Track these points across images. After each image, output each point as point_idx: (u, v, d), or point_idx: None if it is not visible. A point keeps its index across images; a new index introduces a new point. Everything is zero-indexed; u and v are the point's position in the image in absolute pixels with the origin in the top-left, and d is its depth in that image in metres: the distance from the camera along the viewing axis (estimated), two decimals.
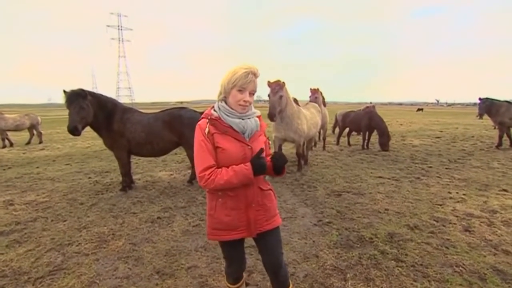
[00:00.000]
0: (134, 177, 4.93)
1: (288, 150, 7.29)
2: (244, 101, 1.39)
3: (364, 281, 2.16)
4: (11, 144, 9.49)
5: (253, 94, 1.43)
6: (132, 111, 4.51)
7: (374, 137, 8.30)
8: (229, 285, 1.73)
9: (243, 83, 1.36)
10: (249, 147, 1.42)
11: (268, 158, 1.49)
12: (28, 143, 9.96)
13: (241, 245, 1.59)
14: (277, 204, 1.62)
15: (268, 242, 1.53)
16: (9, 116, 9.47)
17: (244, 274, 1.81)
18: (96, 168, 6.11)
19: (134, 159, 6.09)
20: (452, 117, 26.23)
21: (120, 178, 4.61)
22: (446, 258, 2.45)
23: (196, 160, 1.40)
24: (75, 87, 3.98)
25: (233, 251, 1.58)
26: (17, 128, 9.53)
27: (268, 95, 4.62)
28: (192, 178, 4.75)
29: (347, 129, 9.14)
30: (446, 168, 5.66)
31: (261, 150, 1.41)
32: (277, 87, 4.57)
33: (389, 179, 4.95)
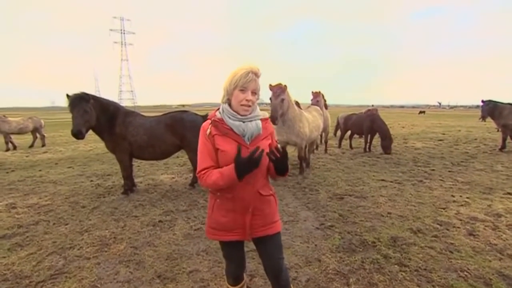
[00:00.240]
0: (135, 180, 4.94)
1: (290, 153, 7.27)
2: (247, 100, 1.38)
3: (367, 286, 2.14)
4: (15, 147, 9.54)
5: (256, 94, 1.43)
6: (134, 114, 4.53)
7: (376, 140, 8.27)
8: (229, 286, 1.72)
9: (243, 83, 1.37)
10: (249, 150, 1.40)
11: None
12: (31, 146, 10.02)
13: (241, 245, 1.58)
14: (278, 210, 1.59)
15: (268, 247, 1.52)
16: (13, 119, 9.54)
17: (245, 277, 1.80)
18: (98, 171, 6.12)
19: (136, 162, 6.11)
20: (455, 119, 26.10)
21: (122, 181, 4.61)
22: (451, 262, 2.42)
23: (197, 160, 1.45)
24: (78, 90, 4.02)
25: (232, 251, 1.58)
26: (20, 131, 9.59)
27: (270, 99, 4.62)
28: (194, 182, 4.75)
29: (349, 132, 9.12)
30: (449, 171, 5.62)
31: (255, 150, 1.31)
32: (278, 90, 4.57)
33: (391, 182, 4.92)
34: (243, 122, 1.42)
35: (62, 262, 2.51)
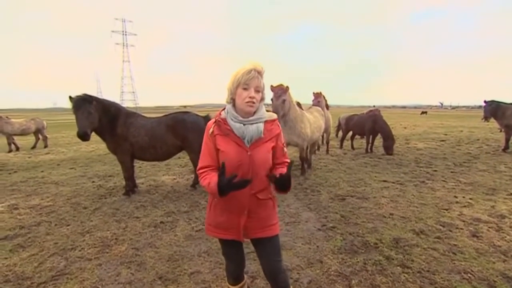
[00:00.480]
0: (137, 181, 4.94)
1: (292, 154, 7.26)
2: (250, 97, 1.36)
3: (370, 287, 2.12)
4: (17, 148, 9.59)
5: (260, 92, 1.41)
6: (135, 115, 4.53)
7: (378, 140, 8.24)
8: (229, 285, 1.72)
9: (246, 80, 1.36)
10: (248, 153, 1.40)
11: (277, 168, 1.47)
12: (34, 147, 10.06)
13: (239, 245, 1.57)
14: (276, 213, 1.57)
15: (265, 249, 1.52)
16: (16, 120, 9.59)
17: (246, 278, 1.79)
18: (100, 172, 6.14)
19: (137, 163, 6.12)
20: (457, 120, 25.98)
21: (123, 182, 4.62)
22: (454, 264, 2.39)
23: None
24: (80, 92, 4.05)
25: (230, 250, 1.59)
26: (23, 133, 9.64)
27: (271, 99, 4.62)
28: (195, 183, 4.74)
29: (350, 133, 9.10)
30: (452, 172, 5.59)
31: (234, 176, 1.28)
32: (280, 91, 4.56)
33: (393, 183, 4.90)
34: (244, 124, 1.40)
35: (64, 263, 2.52)
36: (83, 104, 3.89)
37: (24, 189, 4.90)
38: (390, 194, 4.29)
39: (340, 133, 10.14)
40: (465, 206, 3.72)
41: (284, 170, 1.43)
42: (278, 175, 1.37)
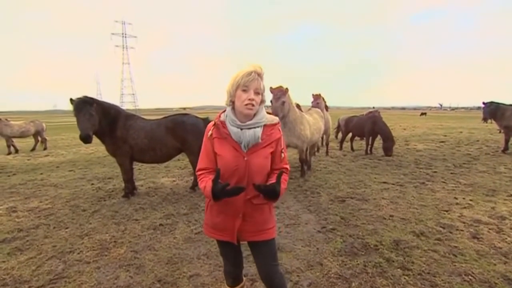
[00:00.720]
0: (136, 183, 4.93)
1: (291, 156, 7.25)
2: (249, 99, 1.34)
3: None
4: (16, 151, 9.57)
5: (259, 94, 1.38)
6: (135, 117, 4.53)
7: (378, 142, 8.24)
8: (228, 287, 1.70)
9: (245, 81, 1.34)
10: (245, 158, 1.37)
11: (271, 175, 1.46)
12: (33, 149, 10.04)
13: (236, 246, 1.55)
14: (273, 217, 1.55)
15: (260, 252, 1.51)
16: (15, 123, 9.58)
17: (245, 280, 1.78)
18: (99, 175, 6.12)
19: (136, 165, 6.11)
20: (456, 121, 26.02)
21: (123, 185, 4.60)
22: (454, 266, 2.38)
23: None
24: (80, 94, 4.03)
25: (227, 250, 1.58)
26: (22, 135, 9.63)
27: (271, 101, 4.62)
28: (195, 185, 4.73)
29: (350, 134, 9.10)
30: (452, 173, 5.58)
31: (226, 184, 1.29)
32: (279, 93, 4.57)
33: (393, 184, 4.89)
34: (241, 129, 1.38)
35: (62, 267, 2.50)
36: (84, 106, 3.88)
37: (23, 192, 4.88)
38: (390, 195, 4.28)
39: (340, 135, 10.14)
40: (465, 208, 3.71)
41: (273, 180, 1.39)
42: (262, 186, 1.34)
